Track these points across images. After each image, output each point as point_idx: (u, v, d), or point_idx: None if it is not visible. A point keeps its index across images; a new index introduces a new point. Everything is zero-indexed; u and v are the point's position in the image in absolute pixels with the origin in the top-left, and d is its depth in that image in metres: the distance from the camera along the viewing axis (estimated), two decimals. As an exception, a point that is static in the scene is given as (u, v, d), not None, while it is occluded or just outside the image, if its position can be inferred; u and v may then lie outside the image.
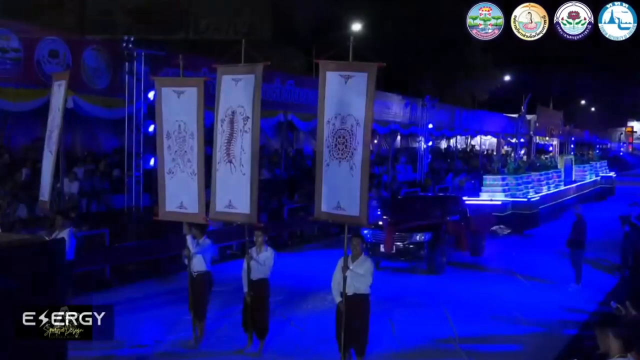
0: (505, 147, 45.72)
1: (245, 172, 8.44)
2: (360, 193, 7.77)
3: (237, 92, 8.54)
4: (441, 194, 22.09)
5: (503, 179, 21.45)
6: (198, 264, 9.35)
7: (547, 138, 46.73)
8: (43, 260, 6.13)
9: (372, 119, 7.88)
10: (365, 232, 11.79)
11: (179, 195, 9.13)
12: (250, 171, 8.42)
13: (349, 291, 7.99)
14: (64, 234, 9.93)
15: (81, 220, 13.75)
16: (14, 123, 15.52)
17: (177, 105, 9.03)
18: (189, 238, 9.28)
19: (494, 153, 42.31)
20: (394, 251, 14.19)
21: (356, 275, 7.96)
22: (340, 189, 7.90)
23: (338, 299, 8.10)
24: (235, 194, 8.60)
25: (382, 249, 14.04)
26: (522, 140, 41.05)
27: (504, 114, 43.23)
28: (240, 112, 8.46)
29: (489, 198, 20.65)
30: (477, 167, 34.97)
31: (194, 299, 9.35)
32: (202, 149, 8.95)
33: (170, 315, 9.96)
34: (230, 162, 8.56)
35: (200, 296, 9.36)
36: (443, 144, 40.99)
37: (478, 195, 21.32)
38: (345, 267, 7.94)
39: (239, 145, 8.47)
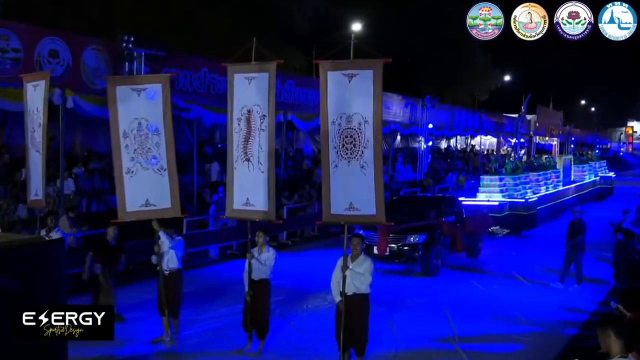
0: (505, 147, 45.70)
1: (263, 170, 8.46)
2: (375, 191, 7.72)
3: (251, 90, 8.53)
4: (433, 195, 21.95)
5: (501, 179, 21.29)
6: (171, 261, 9.39)
7: (547, 138, 46.72)
8: (43, 260, 6.13)
9: (381, 117, 7.82)
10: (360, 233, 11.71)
11: (142, 193, 9.00)
12: (267, 169, 8.44)
13: (349, 291, 7.98)
14: (54, 233, 10.01)
15: (81, 220, 13.75)
16: (14, 123, 15.52)
17: (136, 103, 8.93)
18: (162, 234, 9.25)
19: (494, 153, 42.30)
20: (387, 253, 13.97)
21: (356, 275, 7.95)
22: (352, 189, 7.83)
23: (338, 298, 8.09)
24: (253, 191, 8.59)
25: (375, 250, 13.79)
26: (522, 140, 41.02)
27: (504, 114, 43.22)
28: (257, 110, 8.45)
29: (486, 198, 20.51)
30: (477, 167, 35.00)
31: (168, 297, 9.36)
32: (172, 144, 8.94)
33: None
34: (249, 160, 8.56)
35: (174, 294, 9.42)
36: (443, 144, 40.99)
37: (476, 196, 21.25)
38: (345, 267, 7.94)
39: (257, 143, 8.47)
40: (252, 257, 8.88)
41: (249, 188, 8.62)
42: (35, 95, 9.64)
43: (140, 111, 8.93)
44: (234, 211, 8.93)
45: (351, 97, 7.78)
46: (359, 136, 7.73)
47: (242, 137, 8.59)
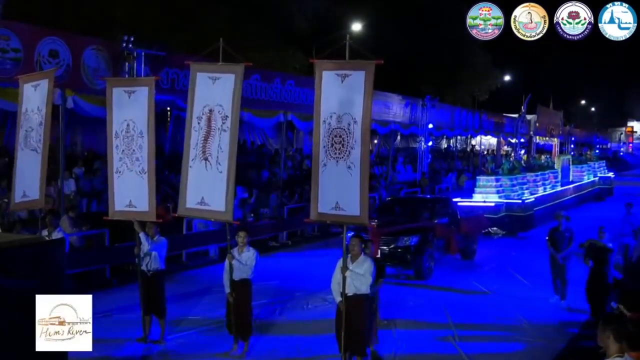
0: (505, 147, 45.68)
1: (221, 170, 8.44)
2: (360, 192, 7.71)
3: (215, 90, 8.53)
4: (429, 196, 21.79)
5: (497, 180, 21.04)
6: (154, 262, 9.41)
7: (547, 138, 46.78)
8: (43, 260, 6.14)
9: (371, 118, 7.80)
10: (350, 235, 11.46)
11: (127, 193, 9.12)
12: (227, 169, 8.42)
13: (349, 291, 7.98)
14: (56, 233, 10.00)
15: (81, 220, 13.76)
16: (14, 123, 15.49)
17: (127, 104, 9.08)
18: (142, 236, 9.30)
19: (493, 153, 42.30)
20: (379, 256, 13.34)
21: (356, 275, 7.96)
22: (339, 189, 7.83)
23: (338, 299, 8.10)
24: (209, 191, 8.57)
25: None
26: (522, 140, 41.03)
27: (504, 114, 43.25)
28: (219, 110, 8.44)
29: (483, 199, 20.29)
30: (477, 166, 35.02)
31: (153, 298, 9.39)
32: (153, 148, 9.00)
33: (170, 315, 9.94)
34: (206, 159, 8.54)
35: (159, 295, 9.45)
36: (443, 144, 40.99)
37: (472, 197, 21.08)
38: (345, 268, 7.95)
39: (217, 143, 8.46)
40: (232, 258, 8.88)
41: (205, 187, 8.58)
42: (35, 96, 9.62)
43: (129, 113, 9.05)
44: (187, 210, 8.90)
45: (342, 97, 7.79)
46: (347, 136, 7.73)
47: (202, 136, 8.57)
